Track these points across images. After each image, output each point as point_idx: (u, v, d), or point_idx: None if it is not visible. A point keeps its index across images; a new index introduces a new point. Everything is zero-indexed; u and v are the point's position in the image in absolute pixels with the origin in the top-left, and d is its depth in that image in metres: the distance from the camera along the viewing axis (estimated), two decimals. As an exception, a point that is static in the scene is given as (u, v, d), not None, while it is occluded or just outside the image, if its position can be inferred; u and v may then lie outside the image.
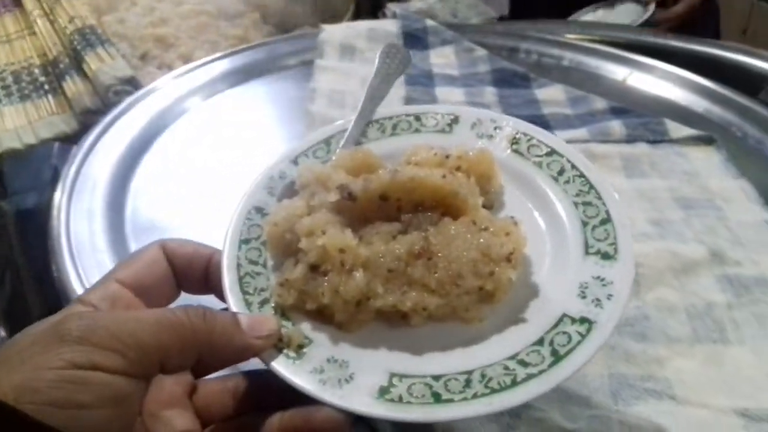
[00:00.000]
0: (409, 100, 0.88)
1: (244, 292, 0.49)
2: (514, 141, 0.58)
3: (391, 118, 0.62)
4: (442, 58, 1.00)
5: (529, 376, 0.43)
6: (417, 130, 0.60)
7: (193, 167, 0.85)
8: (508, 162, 0.57)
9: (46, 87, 1.14)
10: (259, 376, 0.47)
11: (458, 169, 0.54)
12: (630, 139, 0.87)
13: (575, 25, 1.28)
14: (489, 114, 0.60)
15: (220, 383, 0.48)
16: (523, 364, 0.44)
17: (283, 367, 0.45)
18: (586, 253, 0.50)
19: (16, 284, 1.08)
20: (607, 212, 0.52)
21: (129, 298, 0.48)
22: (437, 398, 0.43)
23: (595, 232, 0.51)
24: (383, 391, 0.43)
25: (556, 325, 0.46)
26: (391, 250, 0.47)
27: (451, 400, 0.42)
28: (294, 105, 0.90)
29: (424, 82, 0.95)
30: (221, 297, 0.49)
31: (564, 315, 0.46)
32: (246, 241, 0.52)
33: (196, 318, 0.43)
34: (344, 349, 0.46)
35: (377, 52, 0.70)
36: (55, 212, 0.73)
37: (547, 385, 0.42)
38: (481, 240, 0.47)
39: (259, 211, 0.55)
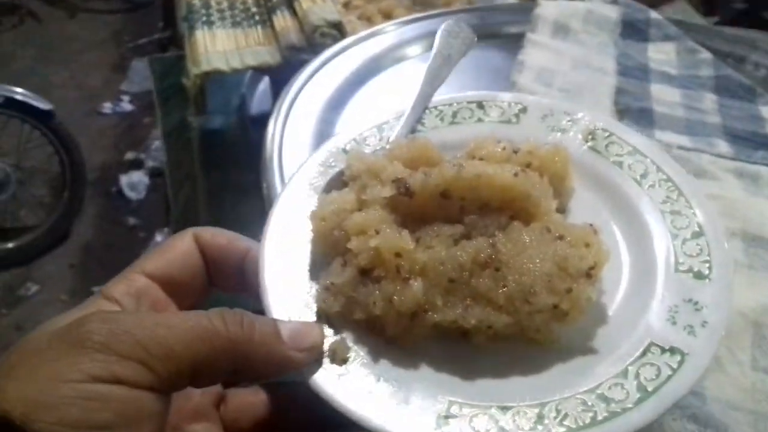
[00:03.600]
0: (620, 92, 0.80)
1: (284, 300, 0.44)
2: (591, 136, 0.52)
3: (451, 104, 0.55)
4: (661, 54, 0.91)
5: (613, 415, 0.37)
6: (480, 120, 0.54)
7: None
8: (582, 160, 0.50)
9: (257, 18, 1.18)
10: (296, 388, 0.42)
11: (528, 166, 0.47)
12: None
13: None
14: (561, 105, 0.54)
15: (253, 395, 0.43)
16: (605, 399, 0.38)
17: (326, 384, 0.39)
18: (676, 270, 0.43)
19: (191, 195, 1.12)
20: (699, 224, 0.45)
21: (156, 295, 0.43)
22: None
23: (686, 247, 0.44)
24: (441, 421, 0.38)
25: (642, 355, 0.39)
26: (454, 256, 0.41)
27: None
28: (499, 75, 0.84)
29: (638, 75, 0.84)
30: (257, 298, 0.44)
31: (651, 343, 0.40)
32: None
33: (234, 326, 0.37)
34: (398, 366, 0.40)
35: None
36: (269, 137, 0.74)
37: (631, 427, 0.36)
38: (558, 251, 0.41)
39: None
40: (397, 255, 0.41)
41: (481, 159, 0.47)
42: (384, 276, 0.41)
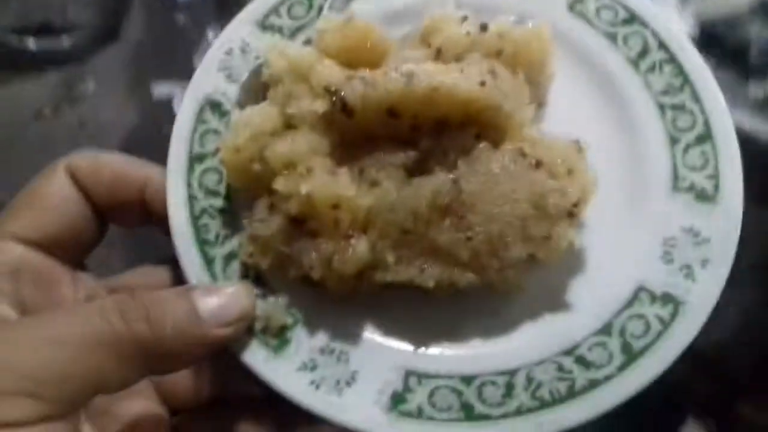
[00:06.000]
0: None
1: (202, 242, 0.36)
2: None
3: None
4: None
5: (593, 385, 0.32)
6: None
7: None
8: (566, 31, 0.40)
9: None
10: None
11: (499, 54, 0.37)
12: None
13: None
14: None
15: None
16: (584, 363, 0.33)
17: (261, 362, 0.33)
18: (675, 188, 0.36)
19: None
20: (706, 123, 0.36)
21: (37, 264, 0.35)
22: (469, 413, 0.32)
23: (689, 156, 0.36)
24: (397, 400, 0.32)
25: (629, 304, 0.34)
26: (407, 200, 0.33)
27: (487, 417, 0.32)
28: None
29: None
30: (168, 231, 0.37)
31: (641, 288, 0.34)
32: (199, 158, 0.38)
33: (139, 323, 0.30)
34: (343, 332, 0.34)
35: None
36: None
37: (615, 398, 0.32)
38: (535, 185, 0.33)
39: (216, 107, 0.39)
40: (335, 206, 0.32)
41: (438, 51, 0.37)
42: (320, 230, 0.33)
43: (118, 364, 0.29)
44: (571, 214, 0.33)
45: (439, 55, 0.37)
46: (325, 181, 0.33)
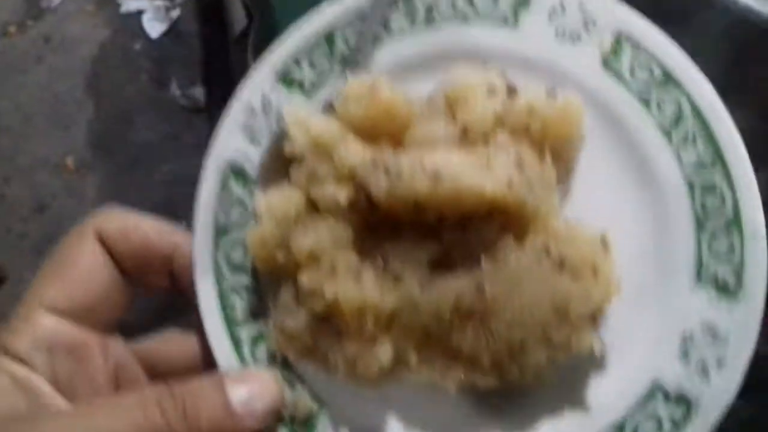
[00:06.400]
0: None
1: (230, 322, 0.37)
2: (613, 50, 0.38)
3: None
4: None
5: None
6: (465, 18, 0.39)
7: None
8: (596, 89, 0.38)
9: None
10: None
11: (527, 129, 0.36)
12: None
13: None
14: None
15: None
16: None
17: None
18: (698, 279, 0.36)
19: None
20: (736, 207, 0.36)
21: (70, 335, 0.36)
22: None
23: (715, 243, 0.36)
24: None
25: (644, 403, 0.35)
26: (430, 303, 0.33)
27: None
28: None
29: None
30: (193, 298, 0.38)
31: (657, 386, 0.35)
32: (225, 231, 0.38)
33: (176, 419, 0.32)
34: (367, 422, 0.36)
35: None
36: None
37: None
38: (558, 288, 0.33)
39: (240, 174, 0.38)
40: (360, 311, 0.33)
41: (464, 130, 0.35)
42: (345, 329, 0.34)
43: None
44: (593, 319, 0.33)
45: (465, 134, 0.35)
46: (350, 286, 0.33)
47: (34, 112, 1.23)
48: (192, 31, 1.29)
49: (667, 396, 0.34)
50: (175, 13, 1.27)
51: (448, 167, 0.33)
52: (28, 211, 1.17)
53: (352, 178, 0.34)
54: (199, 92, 1.27)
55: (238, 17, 0.93)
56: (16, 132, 1.22)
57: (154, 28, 1.28)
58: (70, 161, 1.19)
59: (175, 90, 1.25)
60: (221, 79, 1.20)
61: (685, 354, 0.35)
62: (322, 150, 0.35)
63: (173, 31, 1.27)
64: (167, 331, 0.40)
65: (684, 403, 0.34)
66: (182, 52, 1.29)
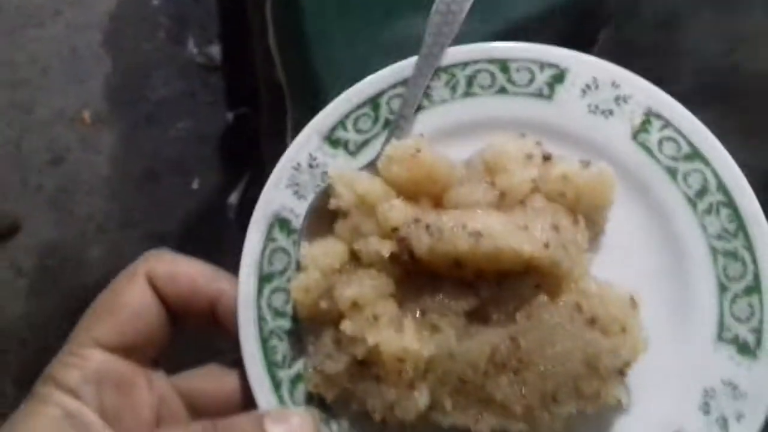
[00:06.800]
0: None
1: (270, 364, 0.39)
2: (643, 126, 0.41)
3: (466, 64, 0.43)
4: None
5: None
6: (502, 90, 0.42)
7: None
8: (627, 160, 0.41)
9: None
10: None
11: (561, 195, 0.38)
12: None
13: None
14: (610, 71, 0.42)
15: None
16: None
17: None
18: (719, 338, 0.38)
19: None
20: (756, 275, 0.38)
21: (118, 370, 0.38)
22: None
23: (736, 306, 0.38)
24: None
25: None
26: (466, 353, 0.35)
27: None
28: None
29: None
30: (236, 339, 0.39)
31: None
32: (268, 278, 0.40)
33: None
34: None
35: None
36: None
37: None
38: (588, 343, 0.35)
39: (284, 225, 0.41)
40: (400, 360, 0.35)
41: (502, 194, 0.38)
42: (384, 376, 0.36)
43: None
44: (621, 372, 0.35)
45: (503, 197, 0.38)
46: (391, 335, 0.35)
47: (51, 65, 1.25)
48: (210, -11, 1.34)
49: None
50: (193, -30, 1.31)
51: (488, 228, 0.35)
52: (43, 163, 1.18)
53: (394, 234, 0.37)
54: (215, 50, 1.27)
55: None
56: (33, 85, 1.24)
57: (172, -16, 1.29)
58: (86, 115, 1.21)
59: (191, 47, 1.26)
60: (238, 38, 1.19)
61: (706, 407, 0.36)
62: (367, 206, 0.38)
63: (191, -12, 1.32)
64: (208, 366, 0.42)
65: None
66: (199, 10, 1.31)
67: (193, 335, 0.43)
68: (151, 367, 0.40)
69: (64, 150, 1.21)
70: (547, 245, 0.35)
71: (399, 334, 0.35)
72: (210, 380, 0.41)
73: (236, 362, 0.40)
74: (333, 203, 0.39)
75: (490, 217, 0.36)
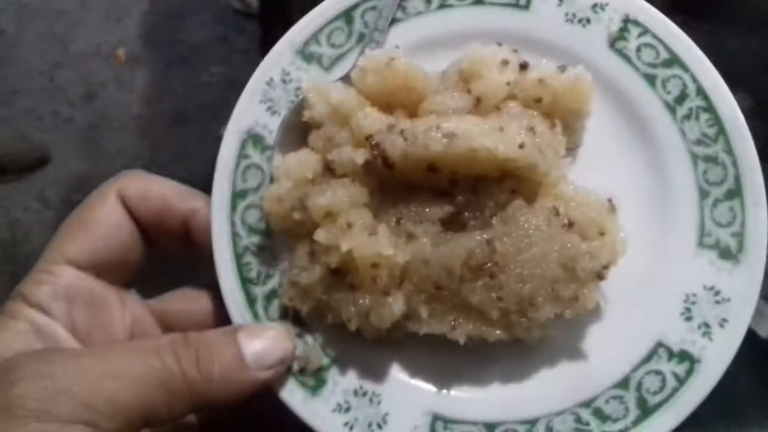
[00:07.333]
0: None
1: (245, 281, 0.38)
2: (621, 33, 0.40)
3: None
4: None
5: None
6: (478, 1, 0.41)
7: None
8: (605, 68, 0.40)
9: None
10: None
11: (538, 101, 0.37)
12: None
13: None
14: None
15: None
16: (601, 416, 0.35)
17: (299, 402, 0.36)
18: (700, 244, 0.37)
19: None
20: (737, 178, 0.37)
21: (89, 288, 0.37)
22: None
23: (717, 211, 0.37)
24: None
25: (648, 359, 0.36)
26: (442, 258, 0.35)
27: None
28: None
29: None
30: (210, 258, 0.39)
31: (659, 344, 0.36)
32: (242, 194, 0.39)
33: (189, 365, 0.33)
34: (375, 374, 0.37)
35: None
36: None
37: None
38: (566, 247, 0.34)
39: (258, 141, 0.40)
40: (374, 265, 0.34)
41: (477, 100, 0.37)
42: (359, 284, 0.35)
43: (169, 401, 0.32)
44: (600, 276, 0.34)
45: (478, 103, 0.37)
46: (365, 240, 0.34)
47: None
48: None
49: (670, 353, 0.35)
50: None
51: (463, 129, 0.34)
52: (76, 96, 1.18)
53: (368, 141, 0.36)
54: (253, -3, 1.29)
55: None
56: (71, 18, 1.22)
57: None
58: (121, 52, 1.20)
59: (229, -8, 1.27)
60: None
61: (688, 314, 0.36)
62: (341, 117, 0.37)
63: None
64: (182, 289, 0.41)
65: (687, 359, 0.35)
66: (239, -45, 1.30)
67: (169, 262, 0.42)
68: (125, 287, 0.40)
69: (98, 85, 1.20)
70: (522, 146, 0.34)
71: (373, 239, 0.34)
72: (184, 301, 0.41)
73: (211, 284, 0.40)
74: (306, 114, 0.38)
75: (464, 120, 0.35)
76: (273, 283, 0.38)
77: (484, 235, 0.35)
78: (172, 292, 0.42)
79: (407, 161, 0.35)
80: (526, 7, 0.41)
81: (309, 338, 0.37)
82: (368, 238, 0.34)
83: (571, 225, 0.35)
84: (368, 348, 0.37)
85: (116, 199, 0.38)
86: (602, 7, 0.40)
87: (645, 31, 0.39)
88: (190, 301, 0.41)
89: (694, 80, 0.38)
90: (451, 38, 0.41)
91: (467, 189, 0.36)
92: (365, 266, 0.34)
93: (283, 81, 0.40)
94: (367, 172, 0.36)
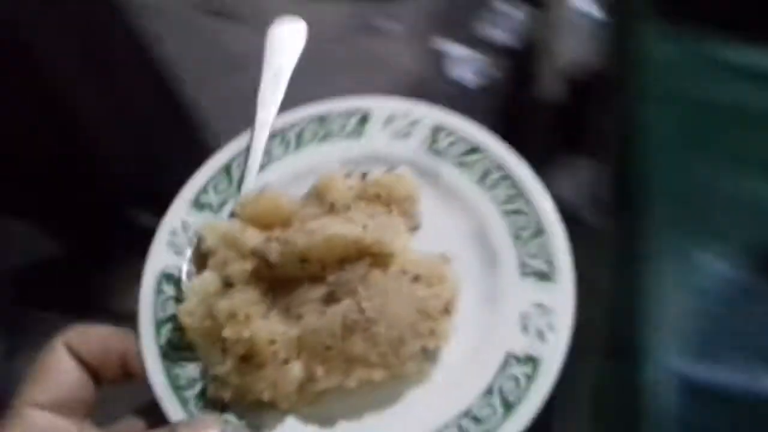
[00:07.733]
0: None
1: (177, 388, 0.46)
2: (433, 138, 0.53)
3: (293, 126, 0.55)
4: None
5: None
6: (325, 137, 0.54)
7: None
8: (426, 165, 0.52)
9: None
10: None
11: (378, 197, 0.49)
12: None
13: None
14: (402, 106, 0.54)
15: None
16: (477, 420, 0.43)
17: None
18: (522, 273, 0.48)
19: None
20: (538, 222, 0.49)
21: (51, 424, 0.44)
22: None
23: (529, 247, 0.48)
24: None
25: (503, 368, 0.45)
26: (325, 325, 0.44)
27: None
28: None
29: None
30: (147, 382, 0.46)
31: (509, 354, 0.45)
32: (163, 322, 0.48)
33: None
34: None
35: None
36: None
37: None
38: (416, 295, 0.45)
39: (170, 278, 0.50)
40: (272, 342, 0.43)
41: (331, 205, 0.49)
42: (264, 362, 0.44)
43: None
44: (447, 310, 0.44)
45: (332, 208, 0.49)
46: (261, 325, 0.44)
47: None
48: None
49: (518, 359, 0.45)
50: None
51: (320, 225, 0.46)
52: None
53: (253, 255, 0.46)
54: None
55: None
56: None
57: None
58: None
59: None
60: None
61: (525, 327, 0.46)
62: (229, 241, 0.48)
63: None
64: (125, 417, 0.48)
65: (531, 361, 0.44)
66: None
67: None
68: (83, 419, 0.47)
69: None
70: (365, 227, 0.45)
71: (267, 322, 0.44)
72: (131, 425, 0.48)
73: (149, 403, 0.47)
74: (204, 246, 0.48)
75: (321, 219, 0.47)
76: (200, 385, 0.46)
77: (354, 302, 0.44)
78: (121, 420, 0.49)
79: (284, 259, 0.45)
80: (361, 133, 0.54)
81: (235, 421, 0.45)
82: (263, 322, 0.44)
83: (417, 279, 0.45)
84: (282, 416, 0.45)
85: (63, 350, 0.46)
86: (417, 122, 0.53)
87: (451, 132, 0.53)
88: (135, 425, 0.48)
89: (492, 160, 0.51)
90: (308, 169, 0.53)
91: (335, 270, 0.46)
92: (264, 344, 0.43)
93: (184, 228, 0.51)
94: (256, 277, 0.46)
